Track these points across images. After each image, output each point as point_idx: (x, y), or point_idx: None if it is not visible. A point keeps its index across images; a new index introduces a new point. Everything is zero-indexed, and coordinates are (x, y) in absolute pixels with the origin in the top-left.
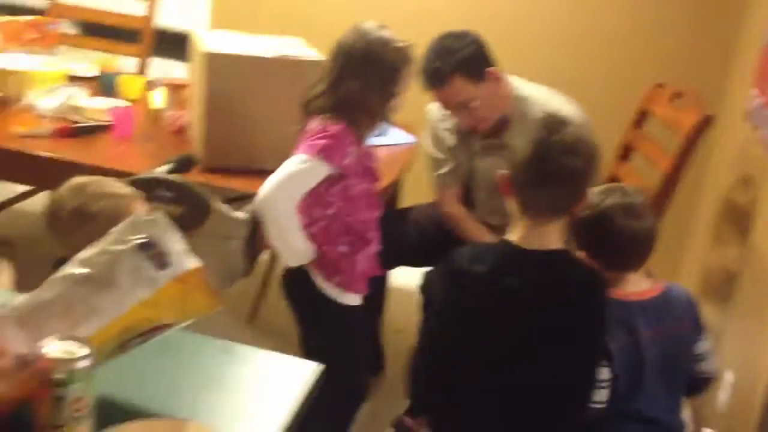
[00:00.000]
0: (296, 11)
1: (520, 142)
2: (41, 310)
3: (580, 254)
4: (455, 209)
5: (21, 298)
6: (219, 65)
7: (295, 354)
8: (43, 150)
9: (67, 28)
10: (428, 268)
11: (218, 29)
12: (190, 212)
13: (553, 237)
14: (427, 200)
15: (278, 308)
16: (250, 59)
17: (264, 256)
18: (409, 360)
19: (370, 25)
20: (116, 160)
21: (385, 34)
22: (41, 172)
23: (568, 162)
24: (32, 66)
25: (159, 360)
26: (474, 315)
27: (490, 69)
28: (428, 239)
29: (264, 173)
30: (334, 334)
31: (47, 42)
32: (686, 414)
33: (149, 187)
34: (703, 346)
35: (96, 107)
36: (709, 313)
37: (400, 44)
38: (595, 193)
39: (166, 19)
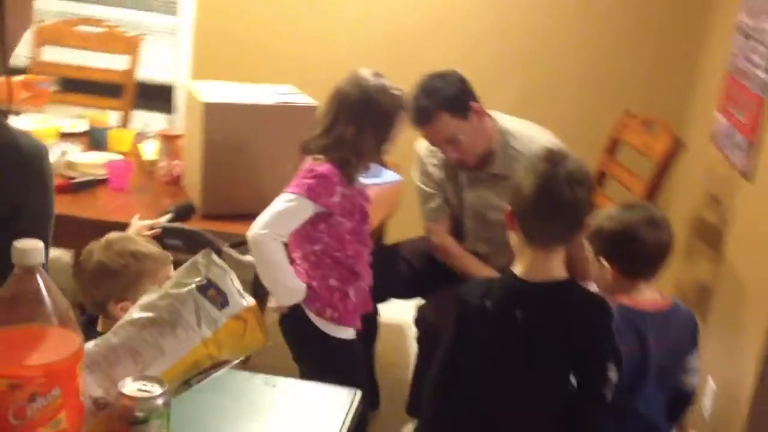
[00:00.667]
0: (275, 59)
1: (522, 176)
2: (111, 354)
3: (601, 260)
4: (446, 241)
5: (90, 344)
6: (216, 115)
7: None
8: None
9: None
10: (421, 301)
11: (200, 80)
12: None
13: (556, 266)
14: (414, 235)
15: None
16: (248, 107)
17: None
18: (425, 390)
19: (367, 72)
20: (116, 212)
21: (381, 81)
22: None
23: (574, 193)
24: (27, 126)
25: (209, 397)
26: (484, 348)
27: (474, 105)
28: (418, 272)
29: None
30: (331, 369)
31: (40, 100)
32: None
33: (158, 238)
34: (694, 360)
35: (90, 162)
36: None
37: (395, 91)
38: (615, 208)
39: (145, 72)
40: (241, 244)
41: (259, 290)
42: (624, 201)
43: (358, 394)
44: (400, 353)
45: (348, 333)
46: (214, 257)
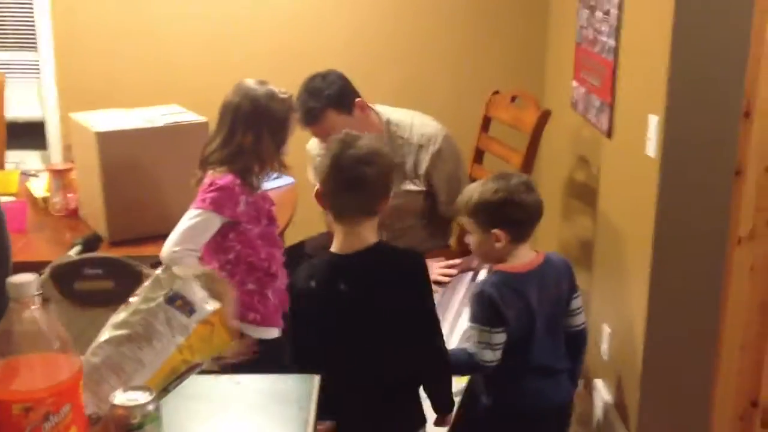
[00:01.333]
0: (144, 82)
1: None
2: (95, 373)
3: (494, 232)
4: None
5: None
6: (110, 142)
7: None
8: None
9: None
10: None
11: (71, 113)
12: (123, 284)
13: (368, 235)
14: (313, 233)
15: None
16: (140, 132)
17: None
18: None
19: (251, 81)
20: (23, 253)
21: (268, 88)
22: None
23: (361, 170)
24: None
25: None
26: (320, 325)
27: (357, 100)
28: None
29: None
30: (263, 370)
31: None
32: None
33: (76, 269)
34: (577, 302)
35: None
36: None
37: (284, 95)
38: (489, 182)
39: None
40: (158, 264)
41: None
42: (492, 174)
43: (317, 379)
44: None
45: (273, 333)
46: (175, 270)
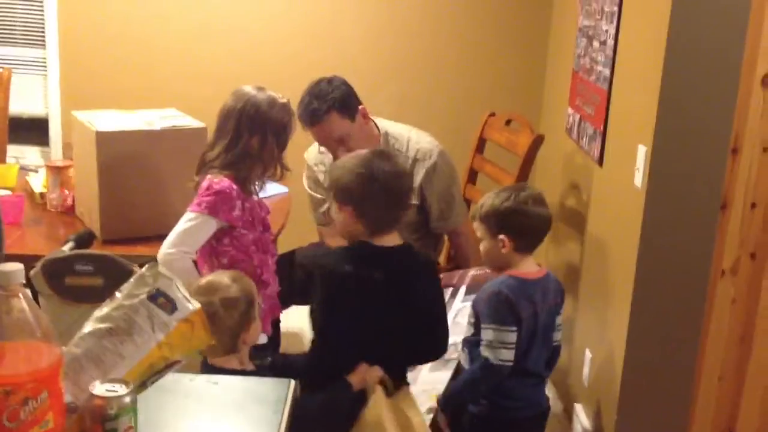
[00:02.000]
0: (146, 85)
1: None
2: (75, 364)
3: (500, 238)
4: (336, 241)
5: None
6: (109, 143)
7: None
8: None
9: None
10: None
11: (73, 111)
12: (113, 281)
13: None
14: (306, 241)
15: None
16: (139, 134)
17: None
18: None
19: (250, 87)
20: (16, 246)
21: (268, 94)
22: None
23: (406, 187)
24: None
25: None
26: (347, 307)
27: (360, 107)
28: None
29: (164, 237)
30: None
31: None
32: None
33: (68, 265)
34: (559, 319)
35: None
36: None
37: (283, 101)
38: (503, 191)
39: (15, 106)
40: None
41: None
42: (507, 185)
43: (293, 383)
44: None
45: (261, 339)
46: (160, 269)
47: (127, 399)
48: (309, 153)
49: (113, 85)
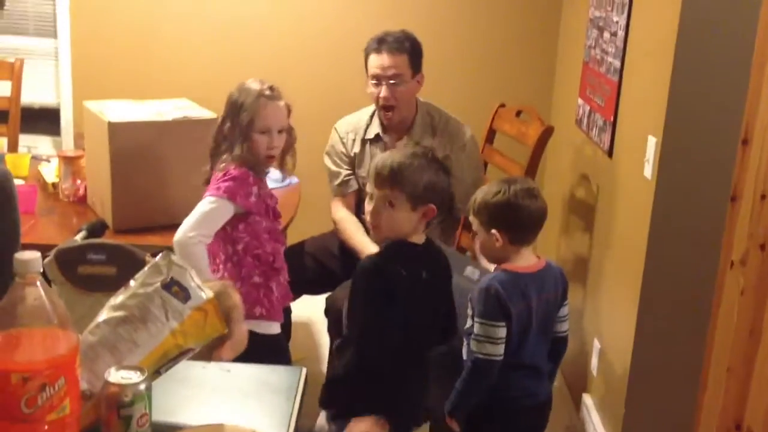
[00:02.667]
0: (157, 74)
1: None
2: (90, 351)
3: (493, 233)
4: (340, 214)
5: None
6: (121, 133)
7: None
8: None
9: None
10: (329, 293)
11: (85, 100)
12: (125, 271)
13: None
14: (317, 231)
15: None
16: (151, 124)
17: None
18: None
19: (250, 80)
20: (29, 235)
21: (252, 81)
22: None
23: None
24: None
25: (175, 386)
26: (400, 311)
27: (421, 73)
28: (323, 267)
29: (175, 226)
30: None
31: None
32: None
33: (81, 254)
34: (565, 310)
35: None
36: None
37: (263, 86)
38: (496, 184)
39: (27, 96)
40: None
41: None
42: (501, 178)
43: (304, 371)
44: (310, 348)
45: (275, 328)
46: (174, 257)
47: (142, 386)
48: (340, 123)
49: (124, 74)
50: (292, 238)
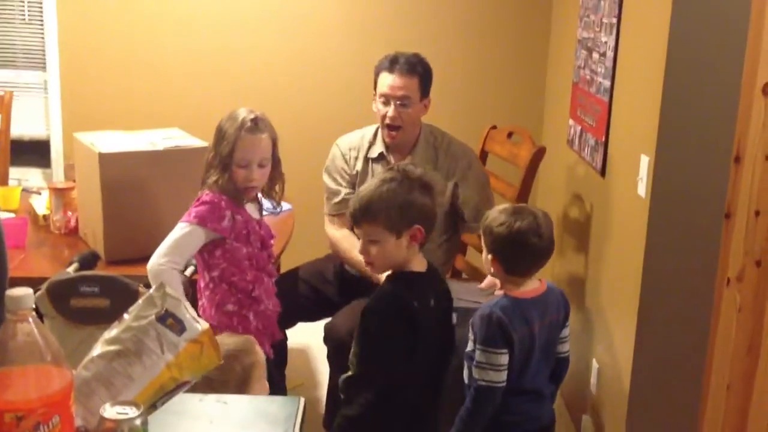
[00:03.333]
0: (148, 105)
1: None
2: (85, 387)
3: (489, 257)
4: (335, 233)
5: None
6: (112, 164)
7: None
8: None
9: None
10: (326, 320)
11: (75, 132)
12: (119, 302)
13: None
14: (313, 257)
15: None
16: (142, 154)
17: None
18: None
19: (240, 109)
20: (21, 269)
21: (244, 111)
22: None
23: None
24: None
25: (172, 419)
26: (421, 335)
27: (428, 98)
28: (318, 293)
29: None
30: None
31: None
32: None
33: (73, 286)
34: (566, 331)
35: None
36: None
37: (242, 115)
38: (506, 212)
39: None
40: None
41: None
42: (513, 205)
43: (302, 401)
44: (307, 375)
45: None
46: (168, 290)
47: (138, 421)
48: (342, 139)
49: (114, 105)
50: (286, 264)
